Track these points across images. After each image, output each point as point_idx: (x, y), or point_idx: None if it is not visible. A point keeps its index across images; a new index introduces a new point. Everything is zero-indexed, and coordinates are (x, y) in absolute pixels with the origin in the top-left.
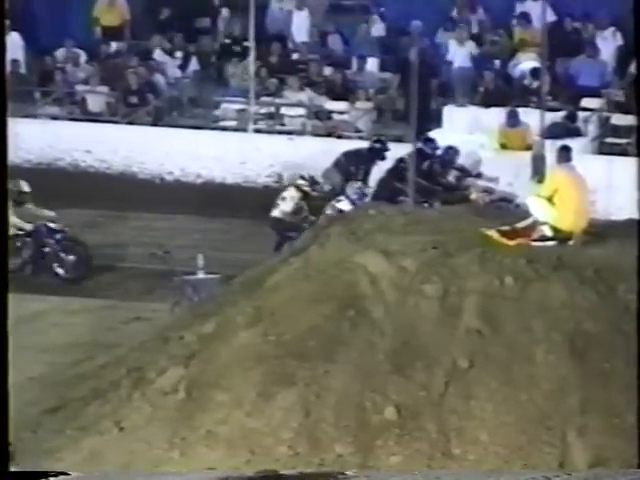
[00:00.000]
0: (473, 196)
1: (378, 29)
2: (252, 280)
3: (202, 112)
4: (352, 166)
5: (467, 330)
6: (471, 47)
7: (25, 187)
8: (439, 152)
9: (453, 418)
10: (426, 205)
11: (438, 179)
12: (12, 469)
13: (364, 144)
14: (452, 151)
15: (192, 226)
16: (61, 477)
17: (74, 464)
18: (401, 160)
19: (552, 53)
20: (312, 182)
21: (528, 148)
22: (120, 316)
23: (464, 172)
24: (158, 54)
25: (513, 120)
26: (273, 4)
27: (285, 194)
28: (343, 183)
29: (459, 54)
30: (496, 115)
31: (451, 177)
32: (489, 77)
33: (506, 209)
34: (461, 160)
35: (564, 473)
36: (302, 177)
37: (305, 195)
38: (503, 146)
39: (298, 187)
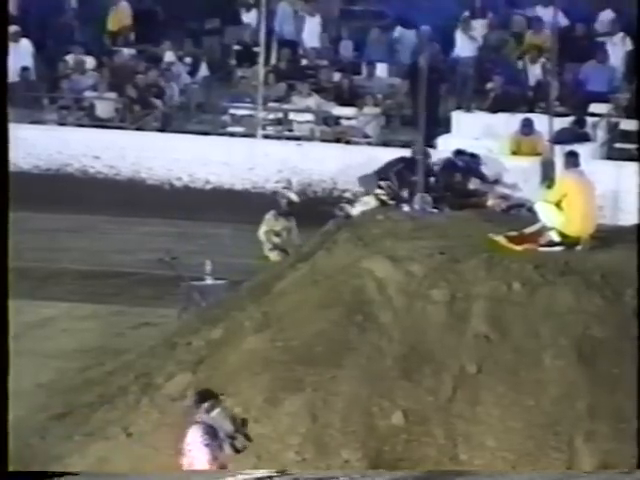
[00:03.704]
0: (489, 202)
1: (388, 34)
2: (260, 286)
3: (210, 118)
4: (394, 175)
5: (475, 335)
6: (480, 52)
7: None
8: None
9: (460, 423)
10: (436, 211)
11: (457, 187)
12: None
13: (404, 152)
14: (476, 159)
15: (200, 232)
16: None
17: (82, 470)
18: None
19: (561, 58)
20: (390, 191)
21: (539, 156)
22: (128, 322)
23: (484, 179)
24: (167, 60)
25: (527, 129)
26: (284, 10)
27: (363, 199)
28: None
29: (467, 58)
30: (504, 121)
31: (472, 185)
32: (498, 82)
33: (522, 215)
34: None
35: (570, 477)
36: (380, 187)
37: (382, 203)
38: (514, 153)
39: (376, 196)
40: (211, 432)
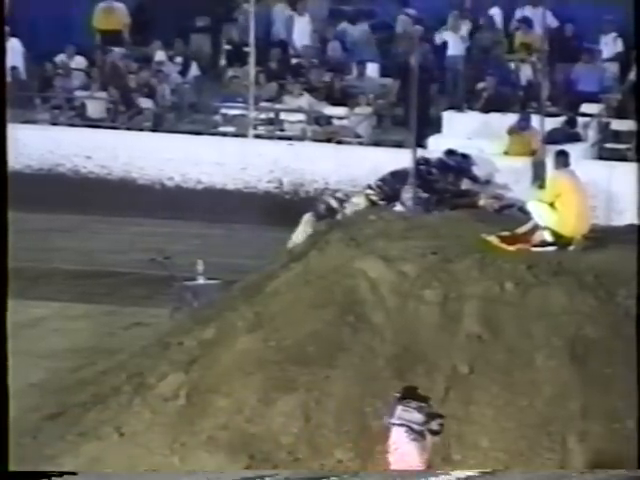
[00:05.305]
0: (482, 202)
1: (378, 34)
2: (252, 286)
3: (202, 117)
4: (398, 184)
5: (467, 335)
6: (471, 52)
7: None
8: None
9: (453, 423)
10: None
11: (449, 187)
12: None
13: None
14: (467, 160)
15: (192, 232)
16: (63, 477)
17: (74, 470)
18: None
19: (552, 58)
20: (379, 191)
21: (532, 153)
22: (120, 322)
23: (475, 180)
24: (158, 60)
25: (524, 123)
26: (274, 10)
27: (353, 200)
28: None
29: (458, 58)
30: (496, 120)
31: (463, 185)
32: (490, 82)
33: (514, 215)
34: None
35: (563, 476)
36: (370, 187)
37: (372, 203)
38: (508, 148)
39: (367, 196)
40: (409, 428)
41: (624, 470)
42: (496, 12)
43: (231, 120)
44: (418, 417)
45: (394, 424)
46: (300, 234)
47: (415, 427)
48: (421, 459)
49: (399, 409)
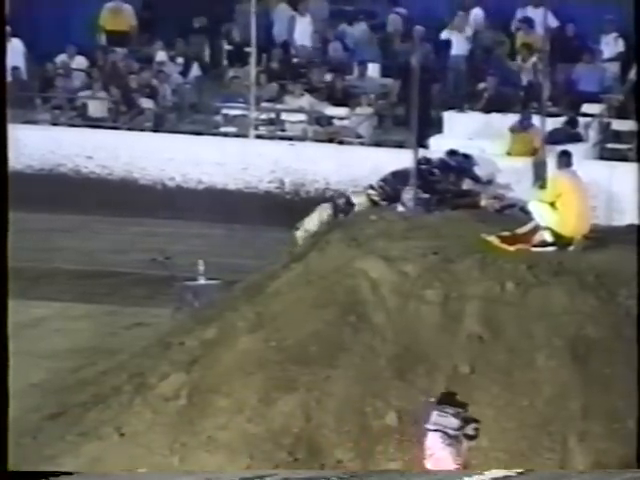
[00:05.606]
0: (483, 203)
1: (379, 35)
2: (253, 286)
3: (203, 118)
4: (400, 185)
5: (468, 335)
6: (473, 52)
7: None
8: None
9: None
10: (437, 213)
11: (451, 187)
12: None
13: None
14: (469, 160)
15: (193, 232)
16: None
17: (75, 470)
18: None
19: (553, 59)
20: (381, 191)
21: (534, 152)
22: (122, 322)
23: (477, 180)
24: (159, 60)
25: (526, 122)
26: (275, 10)
27: (355, 200)
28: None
29: (460, 58)
30: (497, 121)
31: (465, 185)
32: (491, 82)
33: (515, 215)
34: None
35: (563, 476)
36: (372, 187)
37: (373, 203)
38: (511, 148)
39: (368, 196)
40: (445, 433)
41: (624, 470)
42: (478, 12)
43: (232, 120)
44: (454, 422)
45: (429, 430)
46: (313, 222)
47: (450, 432)
48: (456, 464)
49: (435, 415)
